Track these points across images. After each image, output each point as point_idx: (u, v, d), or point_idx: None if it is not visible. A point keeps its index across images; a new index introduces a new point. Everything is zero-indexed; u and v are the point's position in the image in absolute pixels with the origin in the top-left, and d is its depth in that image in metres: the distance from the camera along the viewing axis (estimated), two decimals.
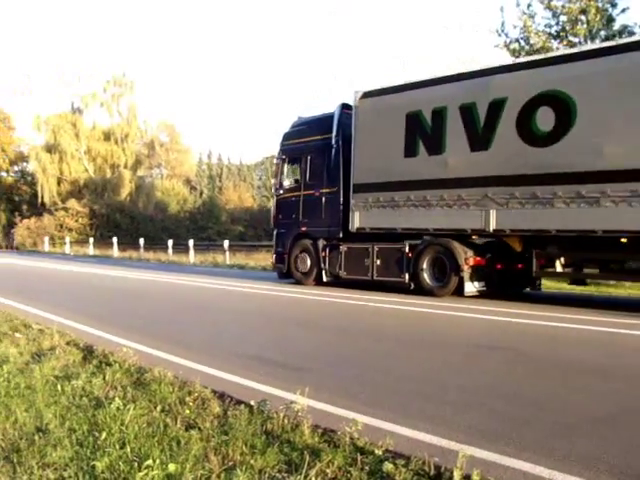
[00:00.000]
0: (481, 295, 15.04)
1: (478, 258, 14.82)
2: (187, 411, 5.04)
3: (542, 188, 13.14)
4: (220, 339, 9.46)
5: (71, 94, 70.85)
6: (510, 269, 14.93)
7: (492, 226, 14.04)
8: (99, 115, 69.92)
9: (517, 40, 23.47)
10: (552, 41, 22.98)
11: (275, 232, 19.74)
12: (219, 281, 19.92)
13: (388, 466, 3.96)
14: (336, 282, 17.65)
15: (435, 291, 15.21)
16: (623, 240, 12.58)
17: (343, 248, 17.18)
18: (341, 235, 17.25)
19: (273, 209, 19.98)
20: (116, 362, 6.66)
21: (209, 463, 4.02)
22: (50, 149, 66.01)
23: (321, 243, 17.74)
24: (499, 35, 23.88)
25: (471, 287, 14.84)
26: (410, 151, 15.50)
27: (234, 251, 35.65)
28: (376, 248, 16.34)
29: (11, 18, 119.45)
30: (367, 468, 4.00)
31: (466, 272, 14.68)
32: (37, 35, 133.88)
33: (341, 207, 17.15)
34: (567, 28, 22.63)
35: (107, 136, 68.61)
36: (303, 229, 18.37)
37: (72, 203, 61.89)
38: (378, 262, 16.27)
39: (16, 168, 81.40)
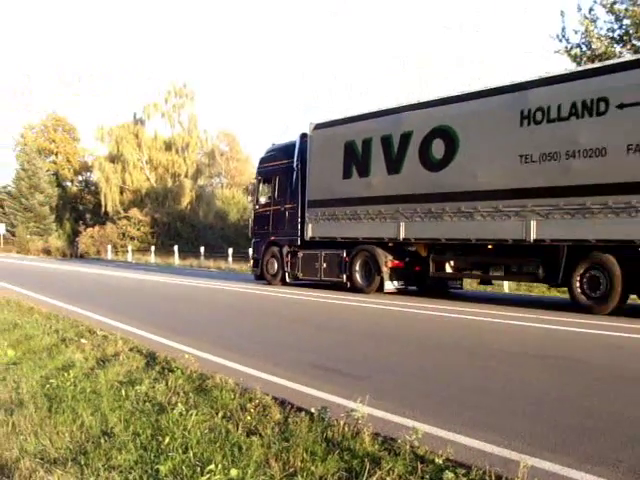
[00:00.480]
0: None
1: (396, 262, 18.08)
2: (248, 417, 5.09)
3: (435, 205, 16.36)
4: (275, 345, 9.60)
5: (133, 104, 71.96)
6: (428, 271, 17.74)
7: (402, 235, 17.28)
8: (160, 125, 71.11)
9: (578, 45, 23.09)
10: (615, 46, 22.55)
11: (252, 241, 23.33)
12: (273, 288, 20.50)
13: (448, 475, 3.95)
14: (296, 283, 21.10)
15: (364, 289, 18.53)
16: (490, 247, 15.80)
17: (300, 254, 20.61)
18: (299, 243, 20.59)
19: (251, 222, 23.58)
20: (178, 368, 6.77)
21: (270, 469, 4.09)
22: (113, 159, 67.71)
23: (285, 250, 21.12)
24: (560, 41, 23.51)
25: (390, 285, 18.14)
26: (347, 174, 18.88)
27: None
28: (323, 254, 19.76)
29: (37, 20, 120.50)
30: (427, 477, 4.02)
31: (385, 273, 18.00)
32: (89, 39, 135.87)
33: (299, 220, 20.51)
34: (631, 32, 22.18)
35: (168, 146, 69.66)
36: (272, 238, 21.79)
37: (134, 212, 62.90)
38: (324, 265, 19.65)
39: (80, 178, 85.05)
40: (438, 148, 16.31)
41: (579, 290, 13.95)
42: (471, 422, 5.23)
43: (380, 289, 18.10)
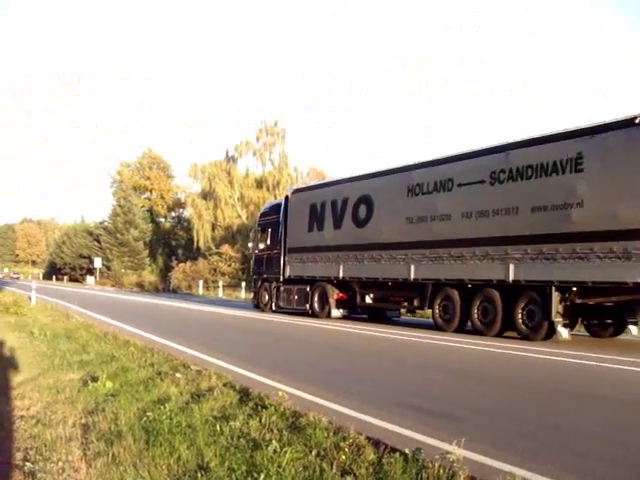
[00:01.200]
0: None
1: (341, 294, 23.78)
2: (342, 457, 5.09)
3: (360, 252, 22.05)
4: (365, 384, 9.60)
5: (226, 142, 71.67)
6: None
7: (341, 275, 23.01)
8: (252, 163, 71.88)
9: None
10: None
11: (252, 278, 29.67)
12: (361, 325, 21.19)
13: None
14: (280, 311, 26.57)
15: (319, 315, 24.16)
16: (390, 284, 21.25)
17: (282, 288, 26.50)
18: (281, 280, 26.44)
19: (252, 263, 29.95)
20: (271, 405, 6.77)
21: None
22: (205, 196, 70.08)
23: (273, 285, 27.07)
24: None
25: (336, 312, 23.81)
26: (310, 228, 24.80)
27: None
28: (295, 288, 25.65)
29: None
30: None
31: (332, 303, 23.74)
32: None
33: (282, 262, 26.37)
34: None
35: (259, 183, 70.08)
36: (265, 276, 27.87)
37: (225, 248, 62.96)
38: (296, 297, 25.56)
39: (173, 214, 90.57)
40: (363, 210, 22.01)
41: (437, 315, 19.22)
42: (566, 466, 5.22)
43: (329, 315, 23.68)
